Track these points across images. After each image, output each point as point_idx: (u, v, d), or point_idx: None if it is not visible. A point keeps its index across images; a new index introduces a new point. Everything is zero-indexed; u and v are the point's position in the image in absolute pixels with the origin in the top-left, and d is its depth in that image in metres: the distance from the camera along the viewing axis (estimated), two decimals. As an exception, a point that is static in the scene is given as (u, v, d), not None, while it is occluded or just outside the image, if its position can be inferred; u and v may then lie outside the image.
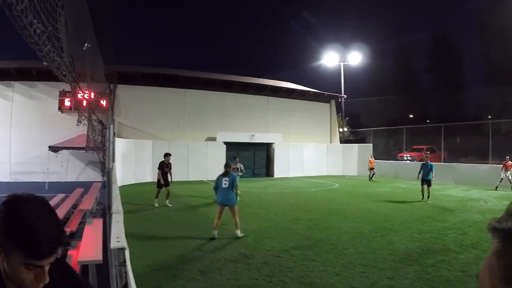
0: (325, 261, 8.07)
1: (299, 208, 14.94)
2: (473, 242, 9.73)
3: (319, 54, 42.55)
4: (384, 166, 30.20)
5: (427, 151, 32.32)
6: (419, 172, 17.61)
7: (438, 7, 67.11)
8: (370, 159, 27.95)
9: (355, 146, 33.89)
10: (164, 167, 15.54)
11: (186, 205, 15.51)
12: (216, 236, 9.90)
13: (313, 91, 34.78)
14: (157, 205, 15.22)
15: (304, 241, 9.81)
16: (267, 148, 30.44)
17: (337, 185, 24.44)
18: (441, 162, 28.00)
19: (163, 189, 15.53)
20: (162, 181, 15.51)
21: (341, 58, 40.92)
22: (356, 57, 41.18)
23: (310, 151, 31.13)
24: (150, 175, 24.03)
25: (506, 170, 21.84)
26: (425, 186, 17.13)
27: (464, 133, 33.26)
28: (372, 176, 27.17)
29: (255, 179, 28.31)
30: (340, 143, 35.61)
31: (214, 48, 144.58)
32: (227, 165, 10.82)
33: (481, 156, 28.38)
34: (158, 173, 15.64)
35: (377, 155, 32.22)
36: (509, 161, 22.02)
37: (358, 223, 12.13)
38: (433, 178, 17.35)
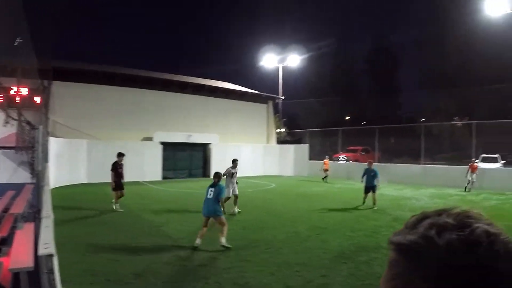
0: (260, 262, 8.11)
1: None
2: None
3: (259, 55, 42.55)
4: (321, 166, 30.67)
5: (362, 152, 33.12)
6: (362, 176, 16.58)
7: (377, 15, 69.29)
8: (325, 160, 28.10)
9: (292, 146, 34.37)
10: (118, 168, 14.55)
11: (123, 207, 14.81)
12: (198, 244, 9.20)
13: (251, 92, 34.86)
14: (121, 210, 14.21)
15: (240, 241, 9.79)
16: (204, 148, 30.10)
17: (274, 185, 24.56)
18: (375, 162, 28.78)
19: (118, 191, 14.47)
20: (117, 183, 14.41)
21: (280, 60, 41.35)
22: (295, 59, 41.80)
23: (247, 152, 31.04)
24: (85, 175, 23.24)
25: (472, 172, 22.34)
26: (370, 193, 15.95)
27: (398, 135, 34.52)
28: (325, 177, 27.25)
29: (191, 179, 27.98)
30: (277, 143, 35.83)
31: (154, 47, 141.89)
32: (216, 175, 10.25)
33: (414, 157, 29.41)
34: (111, 175, 14.41)
35: (314, 155, 32.73)
36: (475, 163, 22.75)
37: (294, 223, 12.24)
38: (378, 185, 16.12)
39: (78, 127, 25.04)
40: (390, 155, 32.20)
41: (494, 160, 29.57)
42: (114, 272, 7.38)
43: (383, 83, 59.45)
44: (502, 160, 30.52)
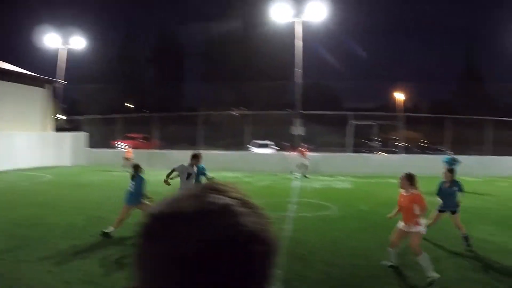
0: (36, 260, 7.61)
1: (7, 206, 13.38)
2: None
3: (40, 34, 38.18)
4: (101, 154, 30.11)
5: (142, 140, 33.09)
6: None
7: (164, 5, 69.90)
8: (128, 148, 26.14)
9: (68, 134, 31.94)
10: None
11: None
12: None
13: (27, 74, 31.36)
14: None
15: (13, 241, 8.99)
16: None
17: (50, 176, 22.97)
18: (156, 149, 29.44)
19: None
20: None
21: (63, 42, 37.89)
22: (80, 42, 38.67)
23: (21, 141, 27.63)
24: None
25: (303, 156, 23.76)
26: None
27: (178, 123, 35.44)
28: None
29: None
30: (56, 131, 33.25)
31: None
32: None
33: (192, 144, 30.42)
34: None
35: (94, 143, 31.52)
36: (303, 148, 24.21)
37: (71, 215, 11.72)
38: None
39: None
40: (171, 143, 32.85)
41: (266, 146, 32.82)
42: None
43: (168, 73, 60.44)
44: (275, 146, 34.11)
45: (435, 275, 6.69)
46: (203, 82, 61.05)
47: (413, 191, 7.30)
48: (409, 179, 7.36)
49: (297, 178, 22.88)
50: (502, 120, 30.75)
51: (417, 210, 7.12)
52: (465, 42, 75.63)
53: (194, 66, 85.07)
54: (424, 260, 6.89)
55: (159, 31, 67.94)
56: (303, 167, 23.44)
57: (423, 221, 7.36)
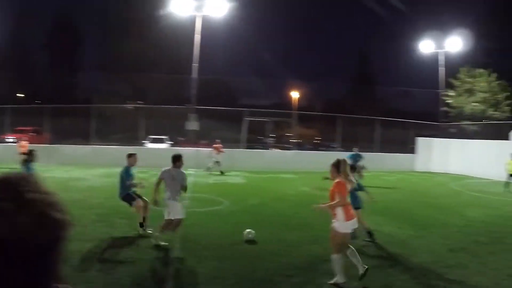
0: None
1: None
2: (72, 220, 9.96)
3: None
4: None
5: (32, 133, 30.77)
6: None
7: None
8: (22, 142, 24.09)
9: None
10: None
11: None
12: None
13: None
14: None
15: None
16: None
17: None
18: (46, 144, 27.55)
19: None
20: None
21: None
22: None
23: None
24: None
25: (218, 153, 23.36)
26: None
27: (71, 115, 33.58)
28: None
29: None
30: None
31: None
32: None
33: (86, 138, 29.29)
34: None
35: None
36: (218, 145, 23.83)
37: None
38: None
39: None
40: (62, 136, 31.21)
41: (161, 141, 32.35)
42: None
43: (63, 61, 57.18)
44: (169, 141, 33.68)
45: (340, 280, 6.57)
46: (99, 72, 58.24)
47: (339, 179, 6.74)
48: (336, 166, 6.84)
49: (213, 174, 22.85)
50: (389, 120, 33.26)
51: (336, 198, 6.63)
52: (358, 47, 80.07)
53: (90, 55, 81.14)
54: (335, 262, 6.63)
55: (55, 14, 63.83)
56: (216, 164, 23.43)
57: (340, 214, 6.65)
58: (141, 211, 9.63)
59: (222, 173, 23.29)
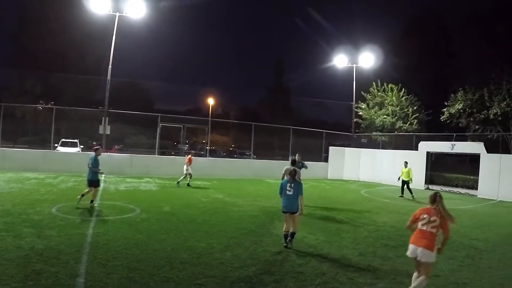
0: None
1: None
2: None
3: None
4: None
5: None
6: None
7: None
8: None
9: None
10: None
11: None
12: None
13: None
14: None
15: None
16: None
17: None
18: None
19: None
20: None
21: None
22: None
23: None
24: None
25: (189, 163, 21.92)
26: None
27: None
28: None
29: None
30: None
31: None
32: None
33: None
34: None
35: None
36: (190, 156, 22.38)
37: None
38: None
39: None
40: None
41: (74, 145, 31.34)
42: None
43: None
44: (81, 145, 32.68)
45: None
46: (9, 68, 54.81)
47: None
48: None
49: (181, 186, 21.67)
50: (302, 129, 34.46)
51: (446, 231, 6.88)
52: (275, 58, 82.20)
53: (1, 49, 76.23)
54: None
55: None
56: (188, 175, 22.04)
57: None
58: (94, 194, 14.05)
59: (188, 185, 21.90)
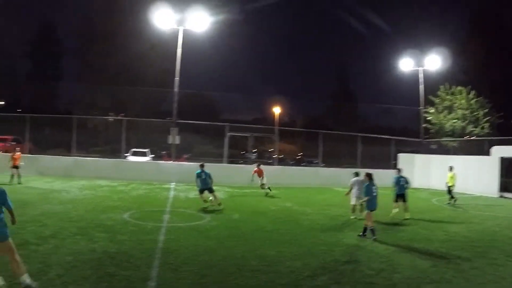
0: None
1: None
2: (52, 232, 10.11)
3: None
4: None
5: (12, 142, 29.99)
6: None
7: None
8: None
9: None
10: None
11: None
12: None
13: None
14: None
15: None
16: None
17: None
18: (26, 154, 26.89)
19: None
20: None
21: None
22: None
23: None
24: None
25: (259, 176, 21.73)
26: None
27: (52, 125, 33.23)
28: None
29: None
30: None
31: None
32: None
33: (67, 149, 28.86)
34: None
35: None
36: (260, 167, 22.12)
37: None
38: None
39: None
40: (43, 147, 30.79)
41: (143, 154, 32.18)
42: None
43: (44, 70, 56.92)
44: (151, 154, 33.54)
45: None
46: (81, 83, 57.60)
47: None
48: None
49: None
50: (370, 137, 33.58)
51: None
52: (339, 64, 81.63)
53: (72, 66, 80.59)
54: None
55: (39, 24, 63.42)
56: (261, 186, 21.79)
57: None
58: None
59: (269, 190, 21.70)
